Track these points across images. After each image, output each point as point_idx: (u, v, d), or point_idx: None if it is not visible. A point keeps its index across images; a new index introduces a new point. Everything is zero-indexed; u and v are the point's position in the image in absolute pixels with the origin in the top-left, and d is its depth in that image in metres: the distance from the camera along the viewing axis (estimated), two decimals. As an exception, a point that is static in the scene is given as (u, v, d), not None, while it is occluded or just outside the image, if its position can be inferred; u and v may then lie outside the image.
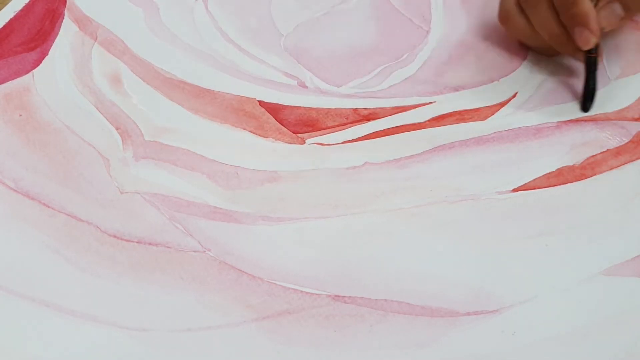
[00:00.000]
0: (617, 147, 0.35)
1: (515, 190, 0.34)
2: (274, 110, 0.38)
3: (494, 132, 0.36)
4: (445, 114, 0.38)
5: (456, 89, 0.39)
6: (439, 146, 0.36)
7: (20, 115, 0.37)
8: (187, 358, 0.28)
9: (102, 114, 0.37)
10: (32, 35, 0.42)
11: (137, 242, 0.31)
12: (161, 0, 0.45)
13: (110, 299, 0.29)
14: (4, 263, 0.30)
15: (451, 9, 0.45)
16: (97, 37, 0.42)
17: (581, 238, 0.32)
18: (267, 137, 0.36)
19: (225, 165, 0.35)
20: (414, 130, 0.37)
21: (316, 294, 0.30)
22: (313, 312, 0.29)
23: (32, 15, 0.43)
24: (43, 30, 0.42)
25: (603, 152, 0.35)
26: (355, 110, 0.38)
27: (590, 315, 0.29)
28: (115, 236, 0.32)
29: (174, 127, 0.37)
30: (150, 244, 0.31)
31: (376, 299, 0.29)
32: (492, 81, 0.40)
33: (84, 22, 0.43)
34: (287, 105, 0.38)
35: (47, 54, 0.41)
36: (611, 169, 0.35)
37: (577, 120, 0.37)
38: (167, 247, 0.31)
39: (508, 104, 0.38)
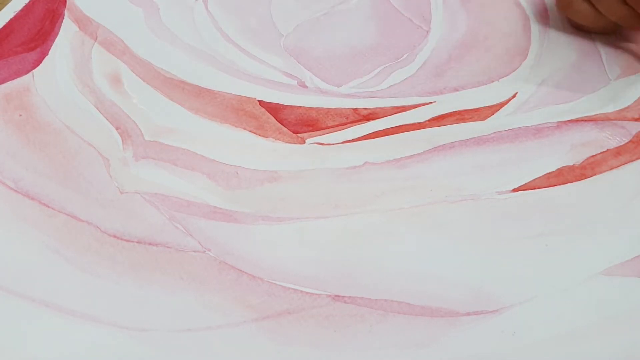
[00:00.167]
0: (617, 147, 0.36)
1: (515, 190, 0.34)
2: (274, 110, 0.38)
3: (494, 132, 0.36)
4: (445, 114, 0.38)
5: (456, 89, 0.39)
6: (439, 146, 0.36)
7: (20, 115, 0.37)
8: (187, 358, 0.28)
9: (102, 113, 0.37)
10: (32, 35, 0.42)
11: (137, 242, 0.31)
12: (161, 0, 0.45)
13: (110, 299, 0.29)
14: (4, 263, 0.30)
15: (451, 9, 0.45)
16: (97, 37, 0.42)
17: (581, 238, 0.32)
18: (267, 137, 0.36)
19: (225, 165, 0.35)
20: (414, 130, 0.37)
21: (316, 294, 0.30)
22: (313, 312, 0.29)
23: (32, 15, 0.43)
24: (43, 30, 0.42)
25: (603, 152, 0.35)
26: (355, 110, 0.38)
27: (590, 315, 0.29)
28: (115, 236, 0.32)
29: (174, 127, 0.37)
30: (150, 244, 0.31)
31: (376, 299, 0.29)
32: (492, 81, 0.40)
33: (84, 22, 0.43)
34: (287, 105, 0.38)
35: (47, 54, 0.41)
36: (611, 169, 0.35)
37: (577, 120, 0.37)
38: (167, 247, 0.31)
39: (508, 104, 0.38)
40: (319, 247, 0.31)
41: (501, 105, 0.38)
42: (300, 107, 0.38)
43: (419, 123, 0.37)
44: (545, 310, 0.29)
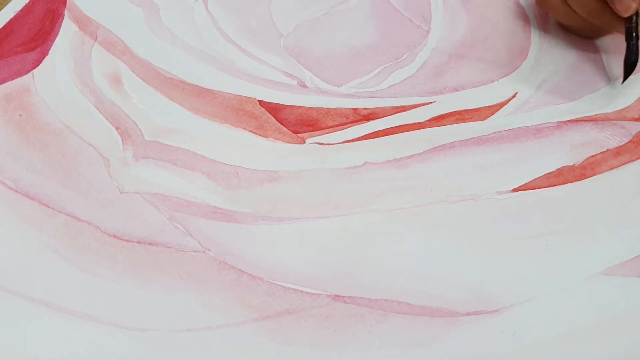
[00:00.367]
0: (617, 147, 0.36)
1: (515, 190, 0.34)
2: (274, 110, 0.38)
3: (494, 132, 0.36)
4: (445, 114, 0.38)
5: (456, 89, 0.39)
6: (439, 146, 0.36)
7: (20, 115, 0.37)
8: (187, 358, 0.28)
9: (102, 113, 0.37)
10: (32, 35, 0.42)
11: (137, 242, 0.31)
12: (161, 0, 0.45)
13: (110, 299, 0.29)
14: (4, 263, 0.30)
15: (451, 9, 0.45)
16: (97, 37, 0.42)
17: (581, 238, 0.32)
18: (267, 137, 0.36)
19: (225, 165, 0.35)
20: (414, 130, 0.37)
21: (316, 294, 0.30)
22: (313, 312, 0.29)
23: (32, 15, 0.43)
24: (43, 30, 0.42)
25: (603, 152, 0.35)
26: (355, 110, 0.38)
27: (590, 315, 0.29)
28: (115, 236, 0.32)
29: (174, 127, 0.37)
30: (150, 244, 0.31)
31: (376, 299, 0.29)
32: (492, 81, 0.40)
33: (84, 22, 0.43)
34: (287, 105, 0.38)
35: (47, 54, 0.41)
36: (611, 169, 0.35)
37: (577, 120, 0.37)
38: (167, 247, 0.31)
39: (508, 104, 0.38)
40: (319, 247, 0.31)
41: (501, 105, 0.38)
42: (300, 107, 0.38)
43: (419, 123, 0.37)
44: (545, 310, 0.29)
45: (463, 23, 0.44)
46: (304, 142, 0.36)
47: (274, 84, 0.39)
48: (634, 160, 0.35)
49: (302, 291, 0.30)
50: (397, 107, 0.38)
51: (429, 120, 0.37)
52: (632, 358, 0.27)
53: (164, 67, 0.40)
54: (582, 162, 0.35)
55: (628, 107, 0.38)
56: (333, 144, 0.36)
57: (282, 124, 0.37)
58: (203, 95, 0.39)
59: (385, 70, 0.40)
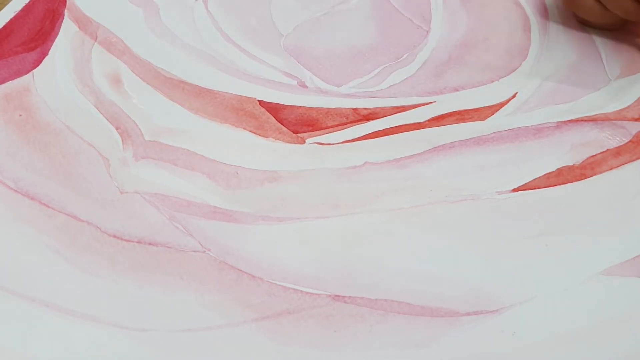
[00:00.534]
0: (617, 147, 0.36)
1: (515, 190, 0.34)
2: (274, 110, 0.38)
3: (494, 132, 0.36)
4: (445, 114, 0.38)
5: (456, 89, 0.39)
6: (439, 146, 0.36)
7: (20, 115, 0.37)
8: (187, 358, 0.28)
9: (102, 113, 0.37)
10: (32, 35, 0.42)
11: (137, 242, 0.31)
12: (161, 0, 0.45)
13: (110, 299, 0.29)
14: (4, 263, 0.30)
15: (451, 9, 0.45)
16: (97, 37, 0.42)
17: (581, 238, 0.32)
18: (267, 137, 0.36)
19: (225, 165, 0.35)
20: (414, 130, 0.37)
21: (316, 294, 0.30)
22: (313, 312, 0.29)
23: (32, 15, 0.43)
24: (43, 30, 0.42)
25: (603, 152, 0.35)
26: (355, 110, 0.38)
27: (590, 315, 0.29)
28: (115, 236, 0.32)
29: (174, 127, 0.37)
30: (150, 244, 0.31)
31: (376, 299, 0.29)
32: (492, 81, 0.40)
33: (84, 22, 0.43)
34: (287, 105, 0.38)
35: (47, 54, 0.41)
36: (611, 169, 0.35)
37: (577, 120, 0.37)
38: (167, 247, 0.31)
39: (508, 104, 0.38)
40: (319, 247, 0.31)
41: (501, 105, 0.38)
42: (300, 107, 0.38)
43: (419, 123, 0.37)
44: (545, 310, 0.29)
45: (463, 23, 0.44)
46: (304, 142, 0.36)
47: (274, 84, 0.39)
48: (634, 160, 0.35)
49: (302, 291, 0.30)
50: (397, 107, 0.38)
51: (429, 120, 0.37)
52: (632, 358, 0.27)
53: (164, 67, 0.40)
54: (582, 162, 0.35)
55: (628, 107, 0.38)
56: (333, 144, 0.36)
57: (282, 124, 0.37)
58: (203, 95, 0.39)
59: (385, 70, 0.40)
